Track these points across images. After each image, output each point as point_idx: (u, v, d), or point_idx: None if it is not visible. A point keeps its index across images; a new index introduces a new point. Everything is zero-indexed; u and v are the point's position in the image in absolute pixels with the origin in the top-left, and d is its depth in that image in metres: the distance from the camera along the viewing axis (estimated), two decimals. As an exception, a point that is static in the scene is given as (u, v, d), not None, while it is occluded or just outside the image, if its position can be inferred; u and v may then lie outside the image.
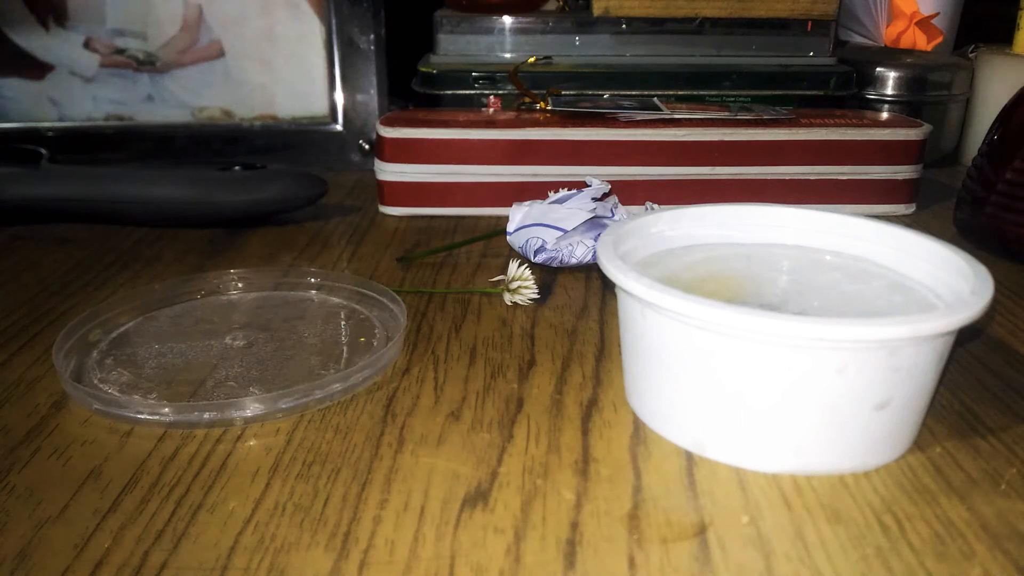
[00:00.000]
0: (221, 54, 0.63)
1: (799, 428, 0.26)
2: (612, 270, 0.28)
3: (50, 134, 0.63)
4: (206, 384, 0.32)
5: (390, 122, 0.51)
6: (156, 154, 0.63)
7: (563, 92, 0.59)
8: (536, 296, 0.39)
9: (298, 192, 0.50)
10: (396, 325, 0.36)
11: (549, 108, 0.55)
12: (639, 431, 0.29)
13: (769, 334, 0.24)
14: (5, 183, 0.48)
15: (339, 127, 0.64)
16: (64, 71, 0.62)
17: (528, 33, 0.62)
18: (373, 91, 0.63)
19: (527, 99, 0.57)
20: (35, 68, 0.62)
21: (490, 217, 0.52)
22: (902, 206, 0.53)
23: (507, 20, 0.62)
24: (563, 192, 0.44)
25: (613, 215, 0.43)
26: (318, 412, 0.30)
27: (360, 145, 0.64)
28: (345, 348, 0.35)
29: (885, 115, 0.57)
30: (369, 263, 0.45)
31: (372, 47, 0.62)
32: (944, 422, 0.30)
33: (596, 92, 0.60)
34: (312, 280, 0.41)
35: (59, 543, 0.23)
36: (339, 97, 0.63)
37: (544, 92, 0.57)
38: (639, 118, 0.52)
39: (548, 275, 0.43)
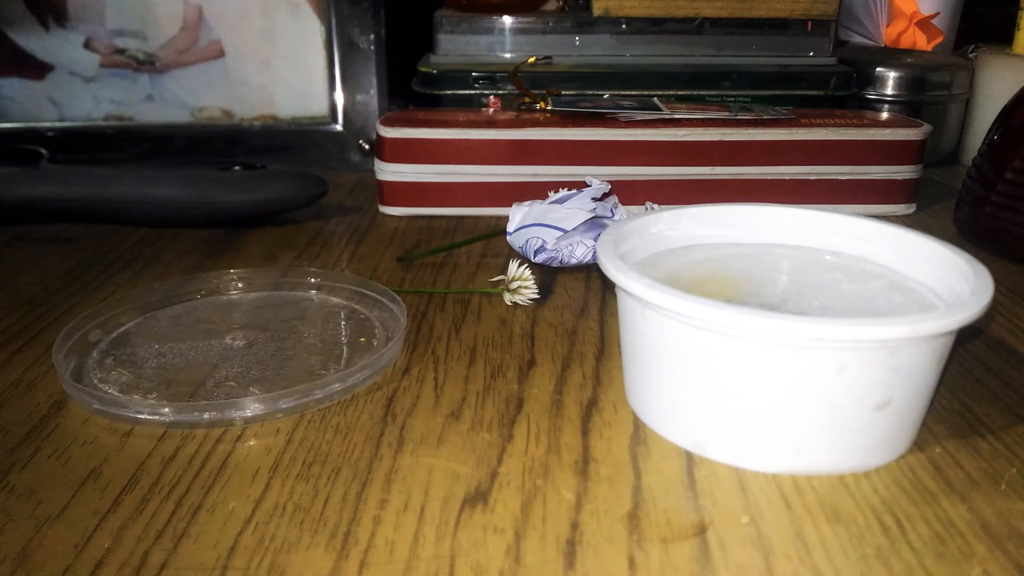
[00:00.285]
0: (221, 54, 0.63)
1: (799, 428, 0.26)
2: (612, 270, 0.28)
3: (50, 134, 0.63)
4: (206, 384, 0.32)
5: (390, 122, 0.51)
6: (156, 154, 0.63)
7: (563, 92, 0.59)
8: (536, 296, 0.39)
9: (298, 192, 0.50)
10: (396, 325, 0.36)
11: (549, 108, 0.55)
12: (639, 431, 0.29)
13: (769, 334, 0.24)
14: (5, 183, 0.48)
15: (339, 127, 0.64)
16: (64, 71, 0.62)
17: (528, 33, 0.62)
18: (373, 91, 0.63)
19: (527, 99, 0.57)
20: (35, 68, 0.62)
21: (490, 217, 0.52)
22: (902, 206, 0.54)
23: (507, 20, 0.62)
24: (563, 192, 0.44)
25: (613, 215, 0.43)
26: (318, 412, 0.30)
27: (360, 145, 0.64)
28: (345, 348, 0.35)
29: (885, 115, 0.57)
30: (369, 263, 0.45)
31: (372, 47, 0.62)
32: (944, 422, 0.30)
33: (596, 92, 0.60)
34: (312, 280, 0.41)
35: (59, 543, 0.23)
36: (339, 97, 0.63)
37: (544, 92, 0.57)
38: (639, 118, 0.52)
39: (548, 275, 0.43)
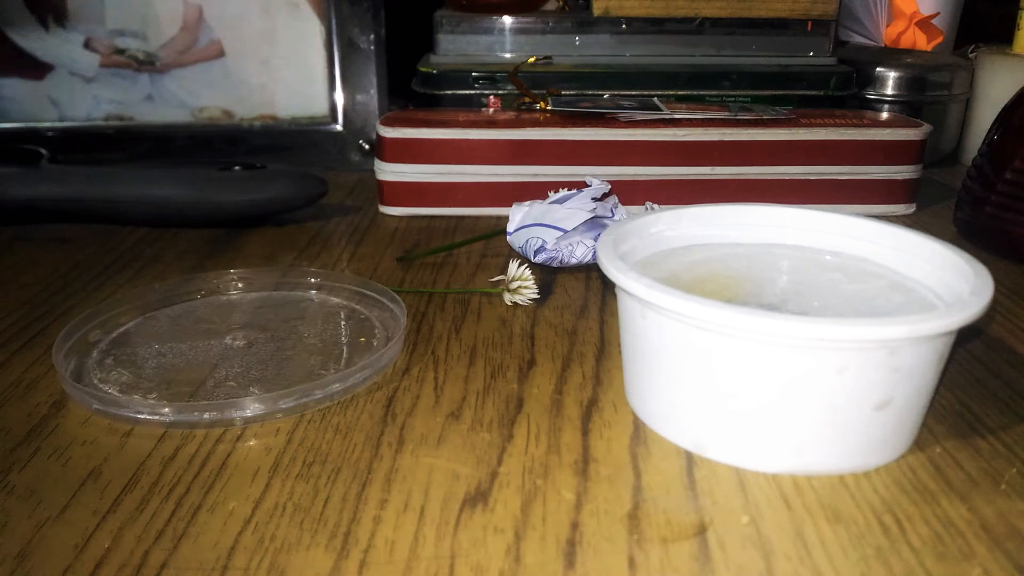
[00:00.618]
0: (221, 54, 0.63)
1: (799, 428, 0.26)
2: (612, 270, 0.28)
3: (50, 134, 0.63)
4: (206, 384, 0.32)
5: (390, 122, 0.51)
6: (156, 154, 0.63)
7: (563, 92, 0.59)
8: (536, 296, 0.39)
9: (298, 192, 0.50)
10: (396, 325, 0.36)
11: (549, 108, 0.55)
12: (639, 431, 0.29)
13: (769, 334, 0.24)
14: (5, 183, 0.48)
15: (339, 127, 0.64)
16: (64, 71, 0.62)
17: (528, 33, 0.62)
18: (373, 91, 0.63)
19: (527, 99, 0.57)
20: (35, 68, 0.62)
21: (490, 217, 0.52)
22: (902, 206, 0.53)
23: (507, 20, 0.62)
24: (563, 192, 0.44)
25: (613, 215, 0.43)
26: (318, 412, 0.30)
27: (360, 145, 0.64)
28: (345, 348, 0.35)
29: (885, 115, 0.57)
30: (369, 263, 0.45)
31: (372, 47, 0.62)
32: (944, 422, 0.30)
33: (596, 92, 0.60)
34: (312, 280, 0.41)
35: (59, 543, 0.23)
36: (339, 97, 0.63)
37: (544, 92, 0.57)
38: (639, 118, 0.52)
39: (548, 275, 0.43)
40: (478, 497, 0.25)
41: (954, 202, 0.50)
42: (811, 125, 0.51)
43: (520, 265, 0.39)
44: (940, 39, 0.72)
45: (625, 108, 0.54)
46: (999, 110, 0.48)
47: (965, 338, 0.36)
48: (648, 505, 0.25)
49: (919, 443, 0.28)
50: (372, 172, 0.53)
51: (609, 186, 0.44)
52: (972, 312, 0.25)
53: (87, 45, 0.62)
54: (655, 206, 0.43)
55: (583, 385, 0.32)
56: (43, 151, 0.51)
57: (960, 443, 0.28)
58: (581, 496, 0.25)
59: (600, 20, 0.62)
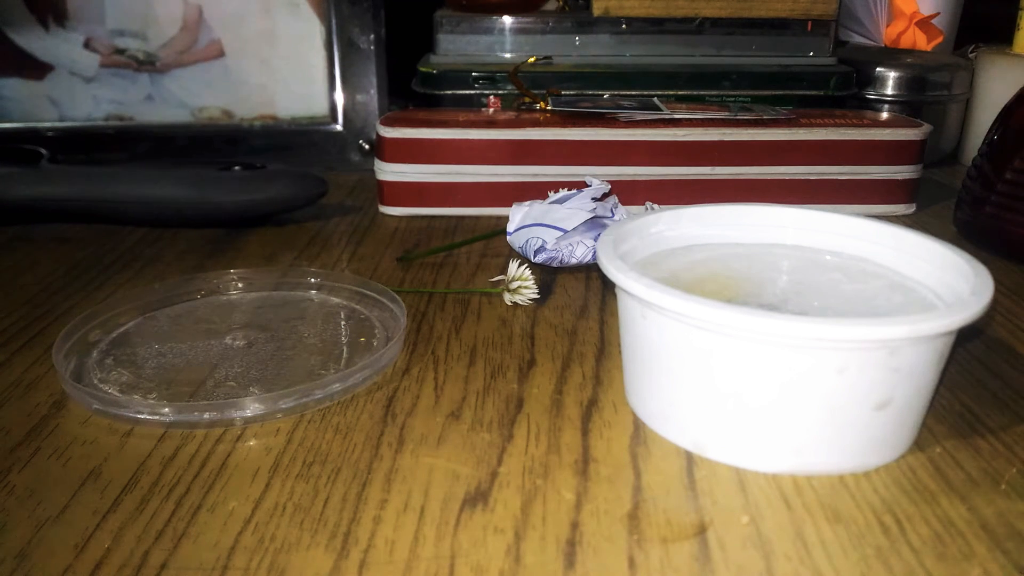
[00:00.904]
0: (221, 54, 0.63)
1: (799, 428, 0.26)
2: (612, 270, 0.28)
3: (50, 134, 0.63)
4: (206, 384, 0.32)
5: (390, 122, 0.51)
6: (156, 154, 0.63)
7: (563, 92, 0.59)
8: (536, 296, 0.39)
9: (298, 192, 0.50)
10: (396, 325, 0.36)
11: (549, 108, 0.55)
12: (639, 431, 0.29)
13: (769, 334, 0.24)
14: (5, 183, 0.48)
15: (339, 127, 0.64)
16: (64, 71, 0.62)
17: (528, 33, 0.62)
18: (373, 91, 0.63)
19: (527, 99, 0.57)
20: (35, 68, 0.62)
21: (490, 217, 0.52)
22: (902, 206, 0.53)
23: (507, 20, 0.62)
24: (563, 192, 0.44)
25: (613, 215, 0.43)
26: (318, 412, 0.30)
27: (360, 145, 0.64)
28: (345, 348, 0.35)
29: (885, 115, 0.57)
30: (369, 263, 0.45)
31: (372, 47, 0.62)
32: (944, 422, 0.30)
33: (596, 92, 0.60)
34: (312, 280, 0.41)
35: (59, 543, 0.23)
36: (339, 97, 0.63)
37: (544, 92, 0.57)
38: (639, 118, 0.52)
39: (548, 275, 0.43)
40: (478, 497, 0.25)
41: (954, 202, 0.50)
42: (811, 125, 0.51)
43: (520, 265, 0.39)
44: (940, 39, 0.72)
45: (625, 108, 0.54)
46: (999, 110, 0.48)
47: (965, 338, 0.36)
48: (648, 505, 0.25)
49: (919, 443, 0.28)
50: (372, 172, 0.53)
51: (609, 186, 0.44)
52: (972, 312, 0.25)
53: (87, 45, 0.62)
54: (655, 206, 0.43)
55: (583, 385, 0.32)
56: (43, 151, 0.51)
57: (960, 443, 0.28)
58: (581, 496, 0.25)
59: (600, 20, 0.62)
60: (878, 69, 0.63)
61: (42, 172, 0.49)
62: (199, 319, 0.37)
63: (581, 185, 0.44)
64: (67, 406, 0.31)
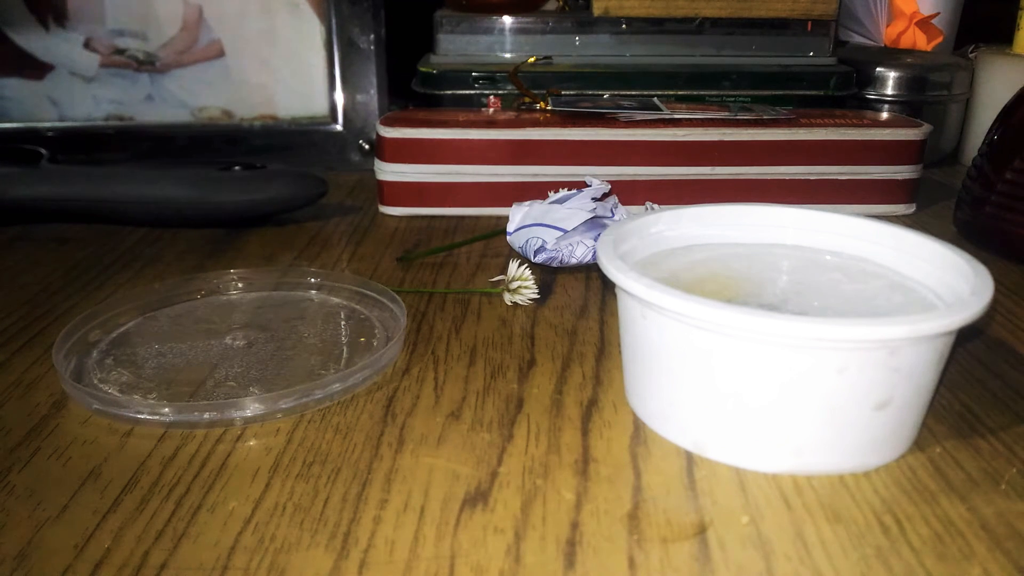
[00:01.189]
0: (221, 54, 0.63)
1: (799, 428, 0.26)
2: (612, 270, 0.28)
3: (50, 134, 0.63)
4: (206, 384, 0.32)
5: (390, 122, 0.51)
6: (156, 154, 0.63)
7: (563, 92, 0.59)
8: (536, 296, 0.39)
9: (298, 192, 0.50)
10: (396, 325, 0.36)
11: (549, 108, 0.55)
12: (639, 431, 0.29)
13: (769, 334, 0.24)
14: (5, 183, 0.48)
15: (339, 127, 0.64)
16: (64, 71, 0.62)
17: (528, 33, 0.62)
18: (373, 91, 0.63)
19: (527, 99, 0.57)
20: (35, 68, 0.62)
21: (490, 217, 0.52)
22: (902, 206, 0.53)
23: (507, 20, 0.62)
24: (563, 192, 0.44)
25: (613, 215, 0.43)
26: (318, 412, 0.30)
27: (360, 145, 0.64)
28: (345, 348, 0.35)
29: (885, 115, 0.57)
30: (369, 263, 0.45)
31: (372, 47, 0.62)
32: (944, 422, 0.30)
33: (596, 92, 0.60)
34: (312, 280, 0.41)
35: (59, 543, 0.23)
36: (339, 97, 0.63)
37: (544, 92, 0.57)
38: (639, 118, 0.52)
39: (548, 275, 0.43)
40: (478, 497, 0.25)
41: (954, 202, 0.50)
42: (811, 125, 0.51)
43: (520, 265, 0.39)
44: (940, 39, 0.72)
45: (625, 108, 0.54)
46: (999, 110, 0.48)
47: (965, 338, 0.36)
48: (648, 505, 0.25)
49: (919, 443, 0.28)
50: (372, 172, 0.53)
51: (609, 186, 0.44)
52: (972, 312, 0.25)
53: (87, 45, 0.62)
54: (655, 206, 0.43)
55: (583, 385, 0.32)
56: (43, 151, 0.51)
57: (960, 443, 0.28)
58: (581, 496, 0.25)
59: (600, 20, 0.62)
60: (878, 69, 0.63)
61: (42, 172, 0.49)
62: (199, 319, 0.37)
63: (581, 185, 0.44)
64: (67, 406, 0.31)
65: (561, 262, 0.42)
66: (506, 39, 0.62)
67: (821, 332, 0.24)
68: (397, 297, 0.37)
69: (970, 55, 0.67)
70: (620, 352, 0.32)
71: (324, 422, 0.29)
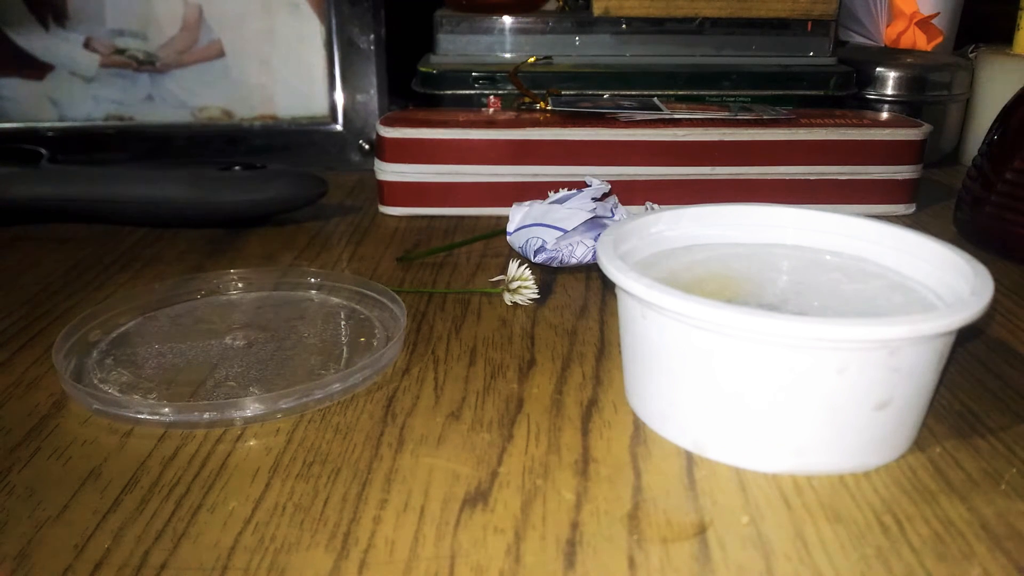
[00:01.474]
0: (221, 54, 0.63)
1: (799, 428, 0.26)
2: (612, 270, 0.28)
3: (50, 134, 0.63)
4: (206, 384, 0.32)
5: (390, 122, 0.51)
6: (156, 154, 0.63)
7: (563, 92, 0.59)
8: (536, 296, 0.39)
9: (298, 192, 0.50)
10: (396, 325, 0.36)
11: (549, 108, 0.55)
12: (639, 431, 0.29)
13: (769, 334, 0.24)
14: (5, 183, 0.48)
15: (339, 127, 0.64)
16: (64, 71, 0.62)
17: (528, 33, 0.62)
18: (373, 91, 0.63)
19: (527, 99, 0.57)
20: (35, 68, 0.62)
21: (490, 217, 0.52)
22: (902, 206, 0.53)
23: (507, 20, 0.62)
24: (563, 192, 0.44)
25: (613, 215, 0.43)
26: (318, 412, 0.30)
27: (360, 145, 0.64)
28: (345, 348, 0.35)
29: (885, 115, 0.57)
30: (369, 263, 0.45)
31: (372, 47, 0.62)
32: (944, 422, 0.30)
33: (596, 92, 0.60)
34: (312, 280, 0.41)
35: (59, 543, 0.23)
36: (339, 97, 0.63)
37: (544, 92, 0.57)
38: (639, 118, 0.52)
39: (548, 275, 0.43)
40: (478, 497, 0.25)
41: (954, 202, 0.50)
42: (811, 125, 0.51)
43: (520, 265, 0.39)
44: (940, 39, 0.72)
45: (625, 108, 0.54)
46: (999, 110, 0.48)
47: (965, 338, 0.36)
48: (648, 505, 0.25)
49: (919, 443, 0.28)
50: (372, 172, 0.53)
51: (609, 186, 0.44)
52: (972, 312, 0.25)
53: (87, 45, 0.62)
54: (655, 206, 0.43)
55: (583, 385, 0.32)
56: (43, 151, 0.51)
57: (960, 443, 0.28)
58: (581, 496, 0.25)
59: (600, 20, 0.62)
60: (878, 69, 0.63)
61: (42, 172, 0.49)
62: (199, 319, 0.37)
63: (581, 185, 0.44)
64: (67, 406, 0.31)
65: (561, 262, 0.42)
66: (506, 39, 0.62)
67: (821, 332, 0.24)
68: (397, 297, 0.37)
69: (970, 55, 0.67)
70: (620, 352, 0.32)
71: (324, 422, 0.29)
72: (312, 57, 0.63)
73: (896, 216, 0.53)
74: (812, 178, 0.52)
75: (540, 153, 0.51)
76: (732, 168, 0.51)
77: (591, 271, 0.44)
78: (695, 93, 0.61)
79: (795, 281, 0.32)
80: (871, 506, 0.25)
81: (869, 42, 0.75)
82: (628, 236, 0.32)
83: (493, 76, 0.60)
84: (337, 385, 0.31)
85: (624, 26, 0.62)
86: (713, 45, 0.63)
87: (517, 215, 0.43)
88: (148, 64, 0.62)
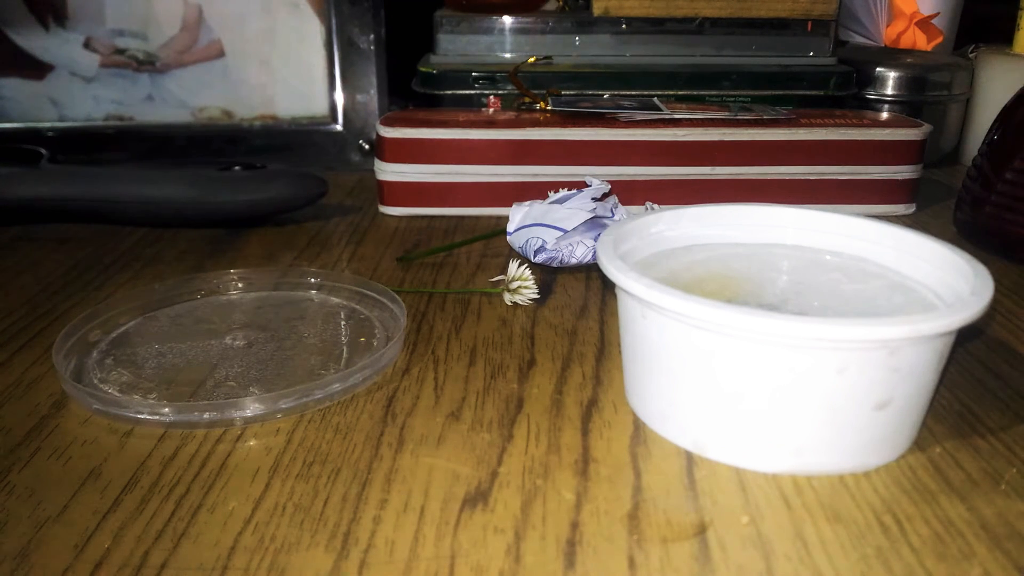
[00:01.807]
0: (221, 54, 0.63)
1: (799, 428, 0.26)
2: (612, 270, 0.28)
3: (50, 134, 0.63)
4: (206, 384, 0.32)
5: (390, 122, 0.51)
6: (156, 154, 0.63)
7: (563, 92, 0.59)
8: (536, 296, 0.39)
9: (298, 192, 0.50)
10: (396, 325, 0.36)
11: (549, 108, 0.55)
12: (639, 431, 0.29)
13: (769, 334, 0.24)
14: (5, 183, 0.48)
15: (339, 127, 0.64)
16: (64, 71, 0.62)
17: (528, 33, 0.62)
18: (373, 91, 0.63)
19: (527, 99, 0.57)
20: (35, 68, 0.62)
21: (490, 217, 0.52)
22: (902, 206, 0.54)
23: (507, 20, 0.62)
24: (563, 192, 0.44)
25: (613, 215, 0.43)
26: (318, 412, 0.30)
27: (360, 145, 0.64)
28: (345, 348, 0.35)
29: (885, 115, 0.57)
30: (369, 263, 0.45)
31: (372, 47, 0.62)
32: (944, 422, 0.30)
33: (596, 92, 0.60)
34: (312, 280, 0.41)
35: (59, 543, 0.23)
36: (339, 97, 0.63)
37: (544, 92, 0.57)
38: (639, 118, 0.52)
39: (548, 275, 0.43)
40: (478, 497, 0.25)
41: (954, 202, 0.50)
42: (811, 125, 0.51)
43: (520, 265, 0.39)
44: (940, 39, 0.72)
45: (625, 108, 0.54)
46: (999, 110, 0.48)
47: (965, 338, 0.36)
48: (648, 505, 0.25)
49: (919, 443, 0.28)
50: (372, 172, 0.53)
51: (609, 186, 0.44)
52: (972, 312, 0.25)
53: (87, 45, 0.62)
54: (655, 206, 0.43)
55: (583, 385, 0.32)
56: (43, 151, 0.51)
57: (960, 443, 0.28)
58: (581, 496, 0.25)
59: (600, 20, 0.62)
60: (878, 69, 0.63)
61: (42, 172, 0.49)
62: (199, 319, 0.37)
63: (581, 185, 0.44)
64: (67, 406, 0.31)
65: (561, 262, 0.42)
66: (506, 39, 0.62)
67: (821, 332, 0.24)
68: (397, 297, 0.37)
69: (970, 55, 0.67)
70: (620, 352, 0.32)
71: (324, 422, 0.29)
72: (312, 57, 0.63)
73: (896, 216, 0.53)
74: (812, 178, 0.52)
75: (540, 153, 0.51)
76: (732, 168, 0.51)
77: (591, 271, 0.44)
78: (695, 93, 0.61)
79: (795, 281, 0.32)
80: (871, 506, 0.25)
81: (869, 42, 0.75)
82: (628, 236, 0.32)
83: (493, 76, 0.60)
84: (337, 385, 0.31)
85: (624, 26, 0.62)
86: (713, 45, 0.63)
87: (517, 215, 0.43)
88: (148, 64, 0.62)
